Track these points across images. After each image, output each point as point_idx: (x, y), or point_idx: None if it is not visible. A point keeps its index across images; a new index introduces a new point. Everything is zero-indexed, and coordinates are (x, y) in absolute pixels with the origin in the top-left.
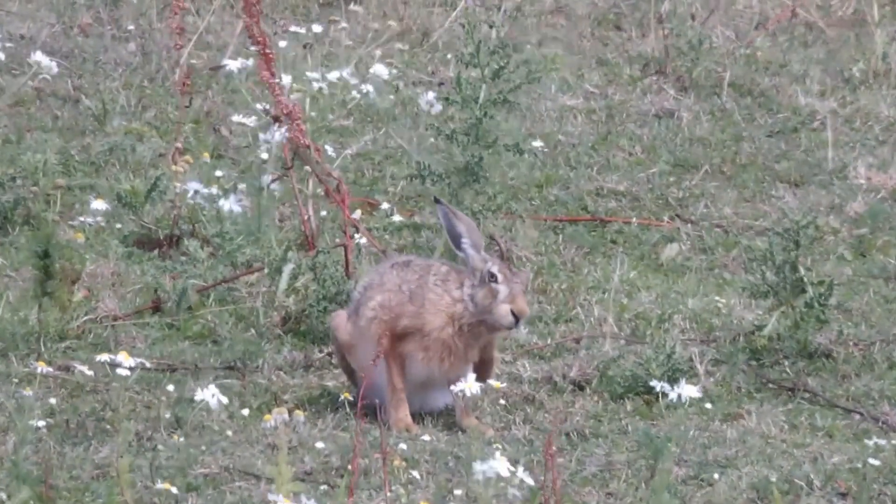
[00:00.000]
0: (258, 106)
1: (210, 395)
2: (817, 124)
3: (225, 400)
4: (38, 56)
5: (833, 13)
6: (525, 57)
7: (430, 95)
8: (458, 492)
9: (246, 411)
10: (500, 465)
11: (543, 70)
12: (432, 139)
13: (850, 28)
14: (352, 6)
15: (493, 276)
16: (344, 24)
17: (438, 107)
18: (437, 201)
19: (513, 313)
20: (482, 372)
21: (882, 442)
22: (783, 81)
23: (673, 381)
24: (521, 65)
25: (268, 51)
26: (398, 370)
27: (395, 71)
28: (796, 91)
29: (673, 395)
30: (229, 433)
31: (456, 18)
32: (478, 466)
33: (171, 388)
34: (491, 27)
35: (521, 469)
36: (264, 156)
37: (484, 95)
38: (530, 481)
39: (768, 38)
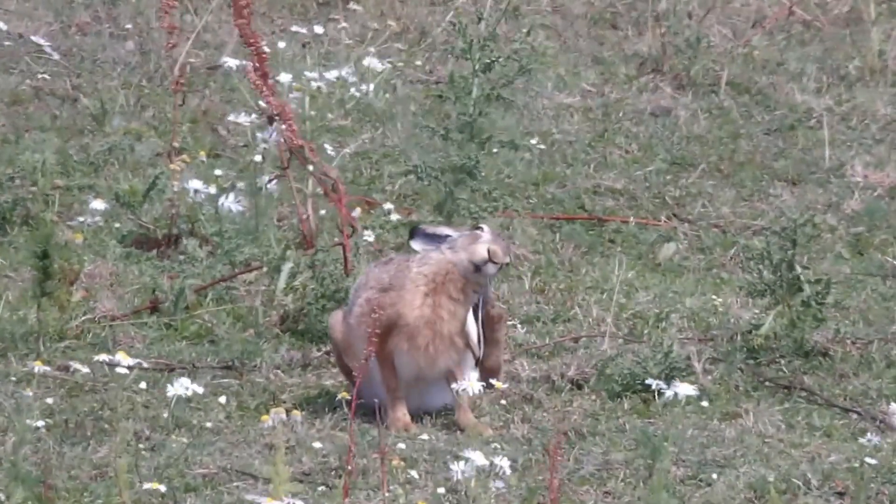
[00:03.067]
0: (259, 104)
1: (184, 388)
2: (814, 122)
3: (200, 390)
4: (39, 39)
5: (830, 11)
6: (515, 48)
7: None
8: (440, 489)
9: (224, 399)
10: (477, 456)
11: (535, 63)
12: (428, 138)
13: (846, 26)
14: (350, 5)
15: (479, 227)
16: (342, 24)
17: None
18: (412, 235)
19: (488, 252)
20: (490, 356)
21: (879, 441)
22: (780, 79)
23: (671, 379)
24: (512, 55)
25: (261, 51)
26: (389, 369)
27: (389, 65)
28: (793, 89)
29: (669, 394)
30: (224, 433)
31: (451, 17)
32: (454, 466)
33: (142, 385)
34: (480, 19)
35: (500, 458)
36: (258, 158)
37: (476, 90)
38: (509, 470)
39: (765, 37)
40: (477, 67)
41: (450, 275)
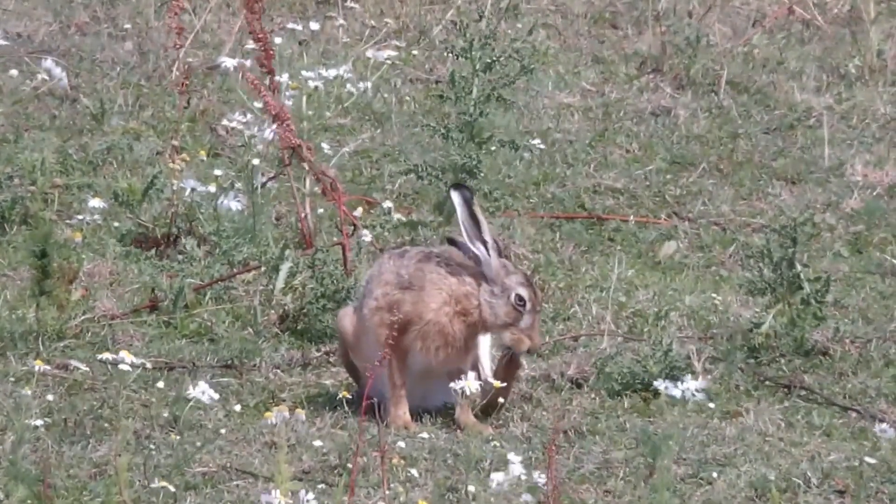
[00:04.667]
0: (257, 103)
1: (201, 391)
2: (813, 121)
3: (216, 395)
4: (49, 64)
5: (829, 10)
6: (517, 47)
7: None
8: (472, 488)
9: (224, 397)
10: (516, 468)
11: (536, 63)
12: (429, 137)
13: (846, 25)
14: (348, 3)
15: (521, 302)
16: (341, 21)
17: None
18: (456, 186)
19: (529, 349)
20: (508, 377)
21: (881, 438)
22: (780, 79)
23: (671, 378)
24: (514, 54)
25: (269, 47)
26: (399, 366)
27: (388, 62)
28: (793, 88)
29: (677, 393)
30: (224, 431)
31: (451, 16)
32: (495, 476)
33: (161, 384)
34: (480, 17)
35: (535, 473)
36: (256, 160)
37: (477, 90)
38: (543, 486)
39: (765, 36)
40: (477, 67)
41: (473, 313)
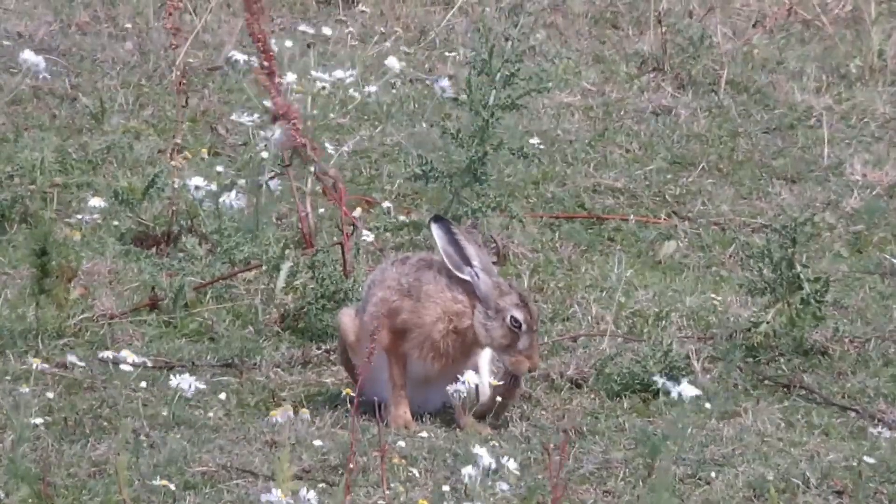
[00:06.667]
0: (264, 102)
1: (186, 384)
2: (814, 121)
3: (202, 386)
4: (27, 55)
5: (830, 11)
6: (537, 61)
7: (444, 83)
8: (445, 487)
9: (224, 396)
10: (487, 459)
11: (554, 79)
12: (438, 137)
13: (846, 25)
14: (358, 7)
15: (517, 323)
16: (349, 28)
17: (450, 92)
18: (435, 220)
19: (529, 369)
20: (509, 396)
21: (879, 437)
22: (780, 78)
23: (670, 378)
24: (533, 77)
25: (269, 49)
26: (400, 367)
27: (403, 65)
28: (793, 88)
29: (674, 394)
30: (226, 430)
31: (453, 17)
32: (465, 470)
33: (142, 383)
34: (507, 40)
35: (509, 460)
36: (264, 155)
37: (493, 100)
38: (517, 473)
39: (766, 36)
40: (497, 80)
41: (466, 333)
